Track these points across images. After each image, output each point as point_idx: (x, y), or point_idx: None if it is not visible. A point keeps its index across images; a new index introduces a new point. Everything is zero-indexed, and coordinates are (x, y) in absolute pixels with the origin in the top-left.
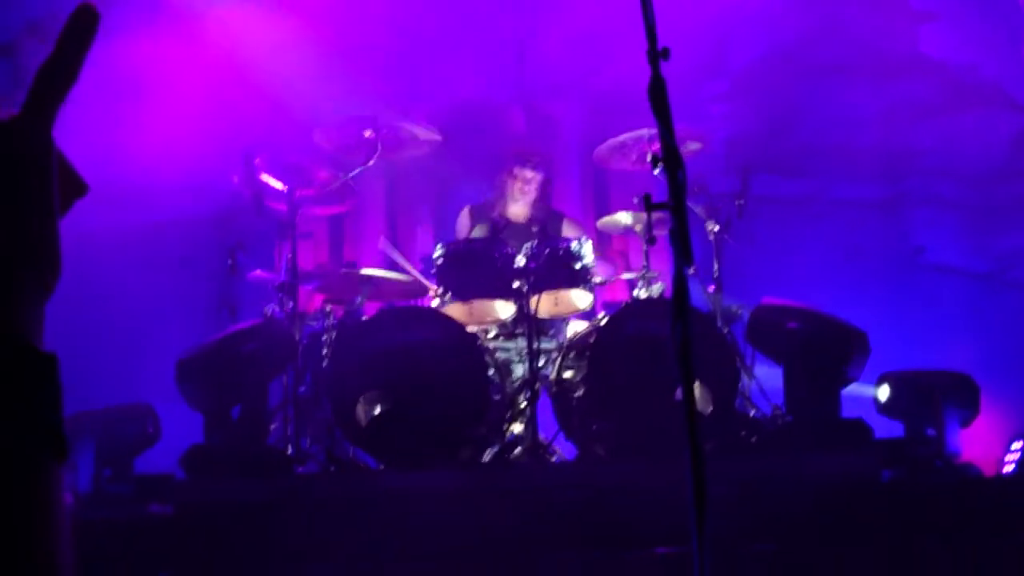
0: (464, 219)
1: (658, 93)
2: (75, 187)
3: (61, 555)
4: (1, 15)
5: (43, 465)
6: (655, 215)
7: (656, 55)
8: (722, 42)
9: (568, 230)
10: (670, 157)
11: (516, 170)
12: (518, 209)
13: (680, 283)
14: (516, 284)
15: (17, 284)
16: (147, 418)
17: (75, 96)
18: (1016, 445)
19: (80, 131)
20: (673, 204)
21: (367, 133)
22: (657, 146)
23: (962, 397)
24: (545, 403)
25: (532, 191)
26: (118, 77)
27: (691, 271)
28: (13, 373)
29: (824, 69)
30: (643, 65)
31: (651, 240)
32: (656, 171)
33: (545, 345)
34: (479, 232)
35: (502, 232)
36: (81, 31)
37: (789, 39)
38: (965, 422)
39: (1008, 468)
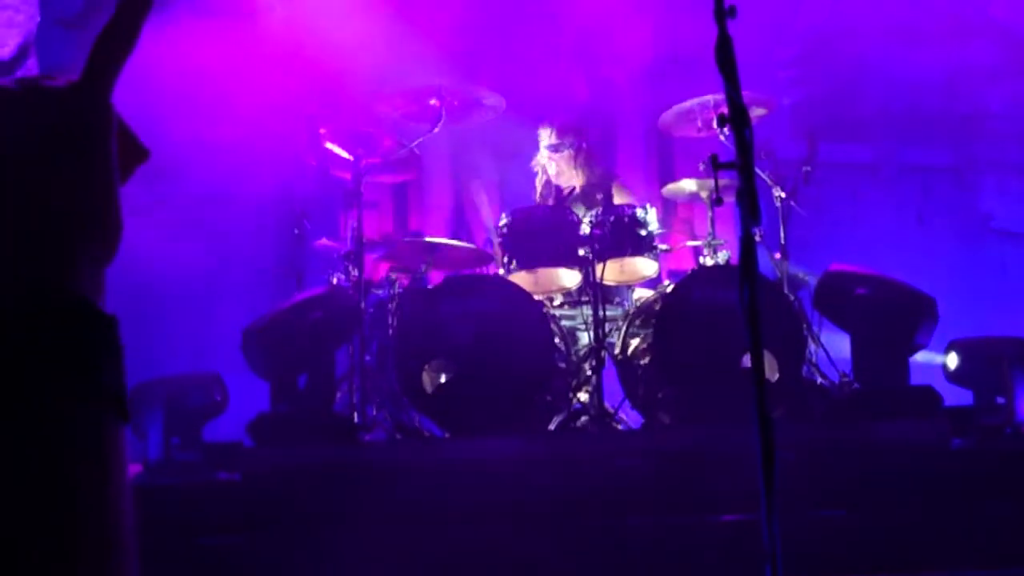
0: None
1: (725, 52)
2: (136, 153)
3: (121, 514)
4: None
5: (106, 424)
6: (722, 181)
7: (723, 13)
8: (789, 6)
9: (620, 193)
10: (737, 116)
11: (551, 156)
12: (575, 178)
13: (748, 243)
14: (581, 252)
15: (79, 248)
16: (215, 386)
17: (144, 71)
18: None
19: (146, 104)
20: (740, 163)
21: (432, 101)
22: (723, 109)
23: None
24: (611, 371)
25: (576, 165)
26: (183, 50)
27: (759, 232)
28: (76, 334)
29: (891, 32)
30: (705, 31)
31: (718, 201)
32: (722, 132)
33: (610, 313)
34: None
35: (567, 200)
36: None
37: (857, 3)
38: None
39: None
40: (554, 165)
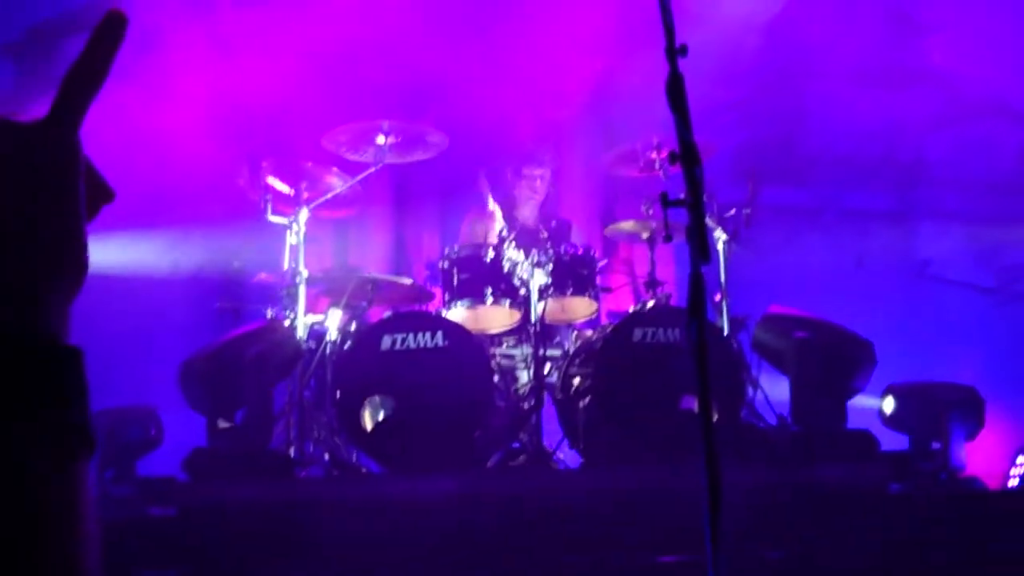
0: (471, 226)
1: (676, 89)
2: (102, 193)
3: (86, 551)
4: (5, 15)
5: (74, 460)
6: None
7: (674, 51)
8: (733, 51)
9: (575, 239)
10: (687, 153)
11: (524, 169)
12: (527, 212)
13: (697, 281)
14: (522, 290)
15: (44, 287)
16: (150, 420)
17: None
18: (1021, 459)
19: (87, 135)
20: (690, 200)
21: (377, 137)
22: (665, 153)
23: (967, 410)
24: (550, 410)
25: (541, 190)
26: (129, 80)
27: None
28: (42, 369)
29: (833, 78)
30: (652, 73)
31: (668, 238)
32: (665, 173)
33: (551, 352)
34: (486, 238)
35: (510, 237)
36: (110, 36)
37: (800, 49)
38: (970, 436)
39: (1013, 482)
40: (527, 186)
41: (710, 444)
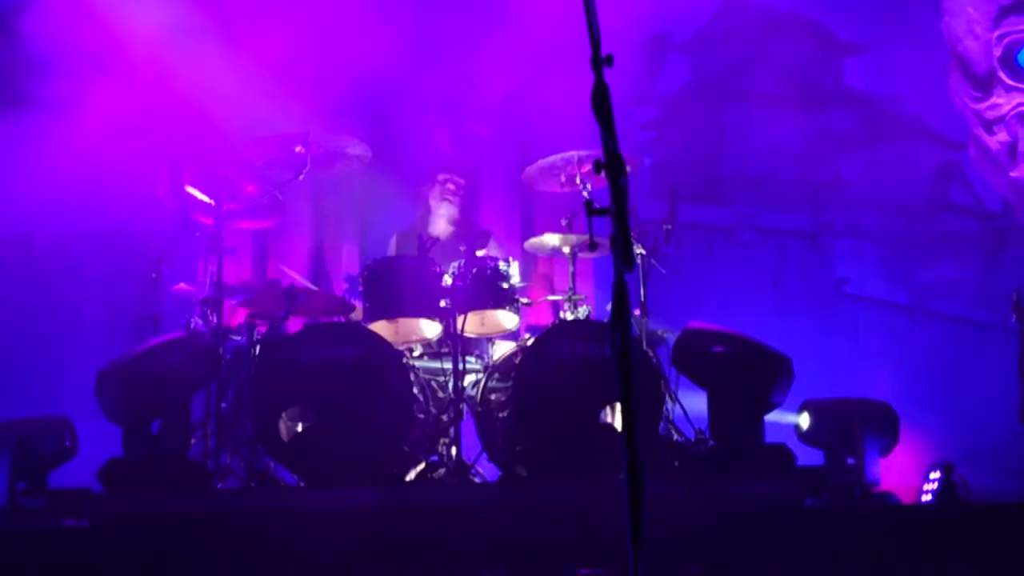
0: (393, 245)
1: (601, 99)
2: None
3: None
4: None
5: None
6: (575, 237)
7: (599, 61)
8: (651, 69)
9: (494, 250)
10: (612, 162)
11: (440, 176)
12: (444, 225)
13: (620, 289)
14: (443, 303)
15: None
16: (64, 430)
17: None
18: (934, 475)
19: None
20: (615, 209)
21: (297, 148)
22: (586, 168)
23: (882, 426)
24: (469, 423)
25: (455, 199)
26: (48, 85)
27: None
28: None
29: (751, 99)
30: (571, 88)
31: (593, 246)
32: (585, 187)
33: (470, 365)
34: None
35: (429, 251)
36: None
37: (717, 68)
38: (884, 451)
39: (926, 497)
40: (440, 194)
41: (633, 451)
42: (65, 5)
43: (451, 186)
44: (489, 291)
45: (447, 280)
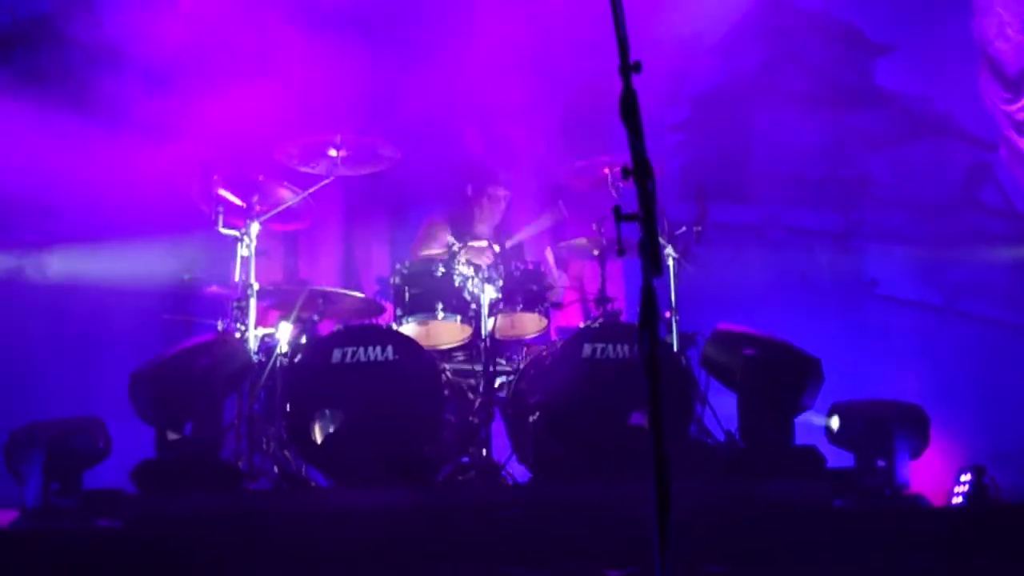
0: (429, 229)
1: (629, 105)
2: None
3: None
4: None
5: None
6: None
7: (628, 68)
8: (680, 71)
9: (528, 257)
10: (640, 168)
11: (490, 189)
12: (483, 229)
13: (648, 293)
14: (473, 305)
15: None
16: (98, 432)
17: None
18: (965, 477)
19: (46, 147)
20: (643, 214)
21: (328, 151)
22: (617, 170)
23: (912, 428)
24: (499, 425)
25: (501, 211)
26: (85, 95)
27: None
28: None
29: (780, 98)
30: (602, 92)
31: (621, 251)
32: (615, 188)
33: (501, 367)
34: (439, 249)
35: (461, 253)
36: None
37: (746, 69)
38: (915, 453)
39: (956, 500)
40: (489, 206)
41: (661, 454)
42: (106, 16)
43: (500, 204)
44: (519, 293)
45: (478, 283)
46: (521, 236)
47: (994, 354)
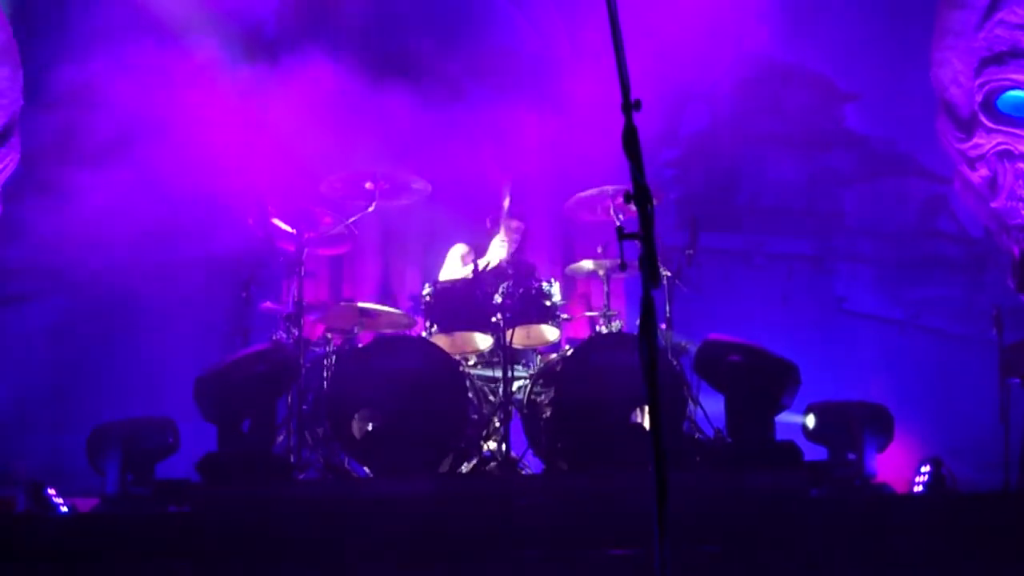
0: (456, 253)
1: (631, 139)
2: None
3: None
4: (45, 75)
5: None
6: (616, 264)
7: (629, 106)
8: (674, 115)
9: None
10: (640, 193)
11: (505, 221)
12: (502, 254)
13: (647, 304)
14: (494, 319)
15: None
16: (168, 429)
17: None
18: (925, 468)
19: (121, 177)
20: (643, 234)
21: (367, 183)
22: (619, 200)
23: (878, 425)
24: (517, 423)
25: (517, 239)
26: (158, 133)
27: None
28: None
29: (761, 140)
30: (606, 133)
31: (623, 267)
32: (618, 216)
33: (518, 373)
34: (464, 270)
35: (483, 274)
36: None
37: (732, 114)
38: (881, 447)
39: (918, 488)
40: (504, 236)
41: (660, 448)
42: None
43: (515, 235)
44: (534, 308)
45: (497, 299)
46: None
47: (949, 362)
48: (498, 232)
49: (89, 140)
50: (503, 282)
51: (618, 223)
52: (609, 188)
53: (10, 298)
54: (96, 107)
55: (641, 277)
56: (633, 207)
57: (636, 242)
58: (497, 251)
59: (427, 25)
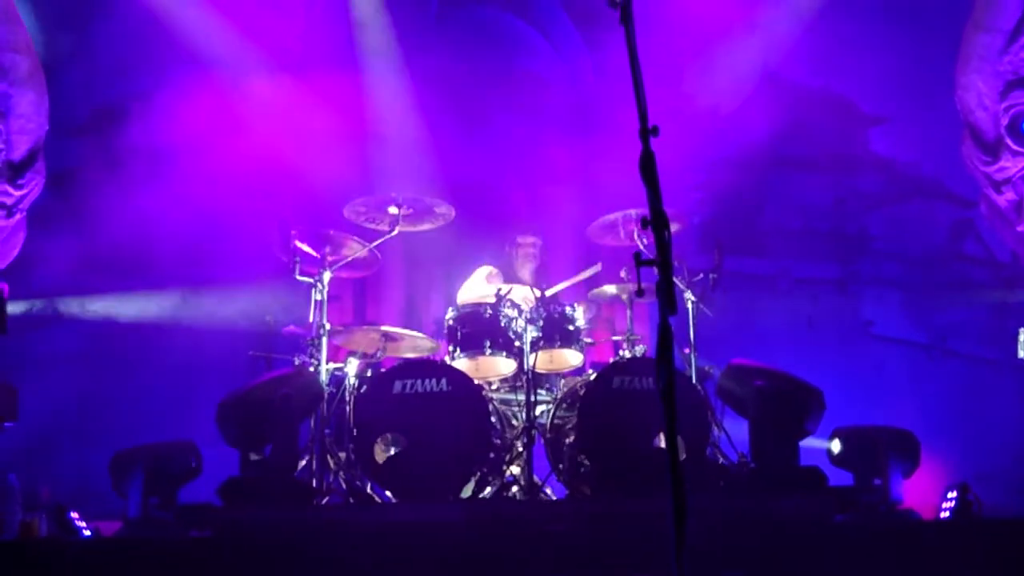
0: (481, 273)
1: (648, 165)
2: None
3: None
4: (73, 101)
5: None
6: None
7: (647, 132)
8: (700, 138)
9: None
10: (658, 219)
11: (519, 238)
12: (524, 275)
13: (665, 330)
14: (517, 343)
15: None
16: (191, 453)
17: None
18: (951, 494)
19: (146, 202)
20: (660, 260)
21: (390, 208)
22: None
23: (904, 451)
24: (539, 448)
25: (535, 256)
26: (183, 158)
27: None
28: None
29: (787, 164)
30: (628, 158)
31: (640, 293)
32: (642, 240)
33: (541, 397)
34: (487, 288)
35: (506, 297)
36: None
37: (758, 137)
38: (907, 473)
39: (944, 514)
40: (522, 253)
41: (676, 471)
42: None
43: (532, 249)
44: (557, 332)
45: (520, 323)
46: (562, 287)
47: (976, 387)
48: (516, 252)
49: (115, 165)
50: (527, 305)
51: (642, 247)
52: (632, 212)
53: (36, 322)
54: (122, 133)
55: (658, 303)
56: (651, 232)
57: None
58: (523, 270)
59: (454, 50)
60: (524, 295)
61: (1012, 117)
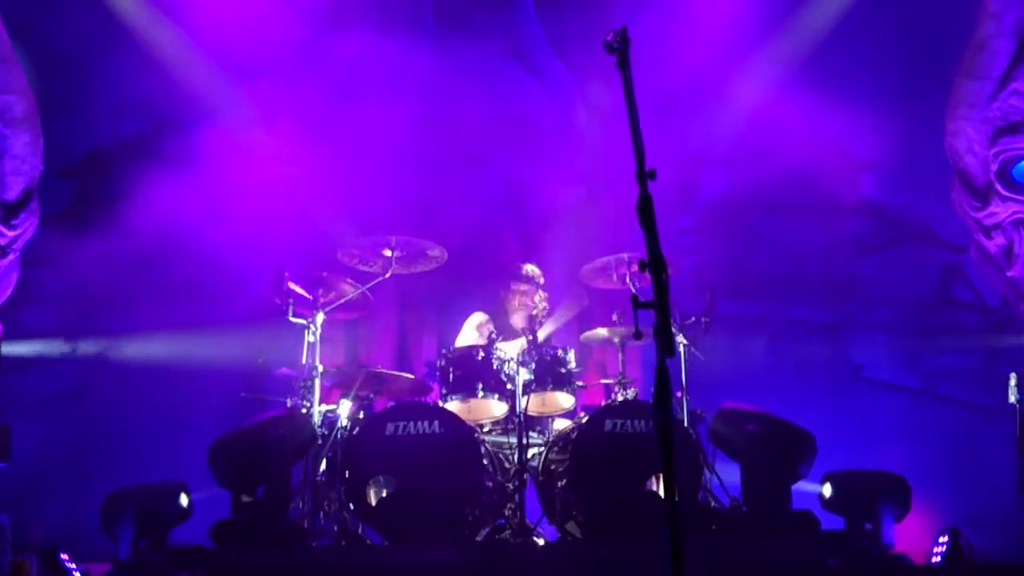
0: (472, 322)
1: (646, 208)
2: None
3: None
4: (66, 142)
5: None
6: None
7: (644, 175)
8: (691, 182)
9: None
10: (655, 262)
11: (513, 285)
12: (517, 320)
13: (662, 373)
14: (509, 386)
15: None
16: (181, 494)
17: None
18: (943, 539)
19: (140, 242)
20: (657, 303)
21: (384, 250)
22: (635, 268)
23: (896, 496)
24: (531, 491)
25: (529, 303)
26: (176, 198)
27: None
28: None
29: (778, 208)
30: (621, 201)
31: (638, 335)
32: (634, 284)
33: (533, 440)
34: (481, 337)
35: (498, 340)
36: None
37: (749, 181)
38: (898, 518)
39: (936, 559)
40: (518, 300)
41: (674, 515)
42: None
43: (526, 296)
44: (550, 375)
45: (513, 366)
46: (549, 327)
47: (967, 432)
48: (510, 298)
49: (107, 207)
50: (518, 348)
51: (633, 291)
52: (624, 255)
53: (28, 361)
54: (113, 174)
55: (656, 346)
56: (648, 275)
57: (651, 311)
58: (516, 314)
59: (447, 94)
60: (516, 350)
61: (1001, 163)
